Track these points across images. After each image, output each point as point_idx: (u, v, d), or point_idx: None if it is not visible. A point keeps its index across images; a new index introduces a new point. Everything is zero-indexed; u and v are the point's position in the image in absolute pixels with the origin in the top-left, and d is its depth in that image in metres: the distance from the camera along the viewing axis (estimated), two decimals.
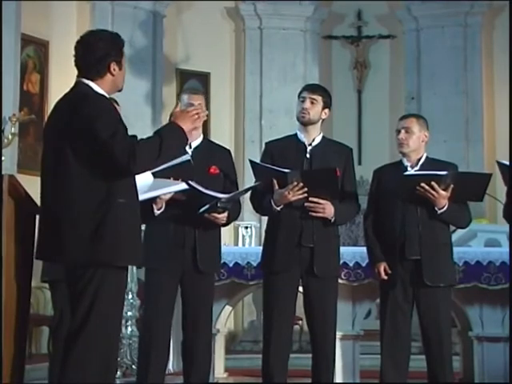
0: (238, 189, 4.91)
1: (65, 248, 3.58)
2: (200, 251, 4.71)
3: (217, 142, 5.11)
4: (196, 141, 4.84)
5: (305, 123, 4.91)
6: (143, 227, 4.86)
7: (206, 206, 4.62)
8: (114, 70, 3.73)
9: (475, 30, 10.42)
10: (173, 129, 3.72)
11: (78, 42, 3.79)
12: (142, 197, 4.20)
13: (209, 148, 4.90)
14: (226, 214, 4.71)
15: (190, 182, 4.52)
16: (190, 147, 4.79)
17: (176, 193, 4.53)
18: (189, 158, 4.40)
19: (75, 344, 3.54)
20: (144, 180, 4.20)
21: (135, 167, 3.57)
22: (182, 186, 4.42)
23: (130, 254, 3.69)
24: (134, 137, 3.62)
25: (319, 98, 4.90)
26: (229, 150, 5.03)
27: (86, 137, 3.57)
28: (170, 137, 3.68)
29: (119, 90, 3.84)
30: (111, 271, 3.61)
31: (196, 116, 3.79)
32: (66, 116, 3.64)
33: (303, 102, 4.89)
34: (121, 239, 3.61)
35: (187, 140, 3.80)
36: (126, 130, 3.64)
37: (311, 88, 4.99)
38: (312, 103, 4.88)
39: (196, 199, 4.58)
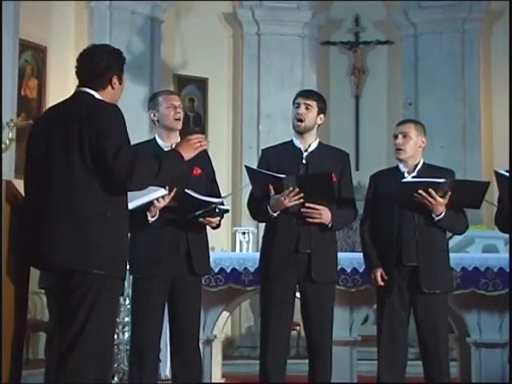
0: (218, 188, 4.94)
1: (56, 256, 3.59)
2: (194, 254, 4.73)
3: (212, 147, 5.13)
4: (176, 141, 4.83)
5: (300, 132, 4.91)
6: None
7: (202, 211, 4.64)
8: (115, 83, 3.81)
9: (473, 36, 10.44)
10: (173, 155, 3.86)
11: (81, 53, 3.85)
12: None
13: None
14: (218, 218, 4.74)
15: (186, 190, 4.55)
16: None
17: (170, 200, 4.55)
18: (164, 193, 4.42)
19: (71, 352, 3.56)
20: None
21: (130, 184, 3.64)
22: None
23: (120, 264, 3.73)
24: (136, 155, 3.66)
25: (314, 104, 4.89)
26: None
27: (94, 146, 3.61)
28: (169, 161, 3.79)
29: None
30: (108, 281, 3.64)
31: (198, 144, 3.93)
32: (75, 123, 3.65)
33: (298, 107, 4.89)
34: (112, 249, 3.65)
35: (186, 168, 3.93)
36: (130, 143, 3.69)
37: (305, 94, 4.99)
38: (307, 108, 4.88)
39: (187, 204, 4.59)
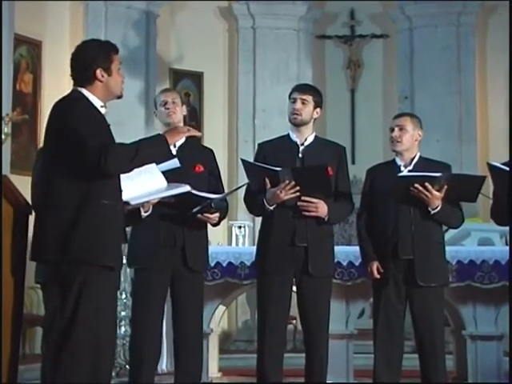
0: (222, 186, 4.94)
1: (46, 247, 3.60)
2: (189, 250, 4.73)
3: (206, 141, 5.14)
4: (180, 140, 4.83)
5: (297, 124, 4.91)
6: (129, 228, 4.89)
7: (199, 207, 4.63)
8: (103, 76, 3.79)
9: (468, 30, 10.43)
10: (155, 137, 3.84)
11: (72, 53, 3.88)
12: (145, 199, 4.20)
13: (192, 147, 4.92)
14: (217, 214, 4.73)
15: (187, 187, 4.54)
16: (175, 146, 4.81)
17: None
18: (178, 165, 4.41)
19: (63, 345, 3.56)
20: (159, 185, 4.21)
21: (106, 167, 3.60)
22: (186, 188, 4.42)
23: (111, 254, 3.71)
24: (111, 141, 3.69)
25: (310, 98, 4.90)
26: (212, 150, 5.06)
27: (63, 136, 3.64)
28: (149, 143, 3.78)
29: (119, 97, 3.88)
30: (94, 270, 3.63)
31: (186, 129, 3.91)
32: (51, 119, 3.73)
33: (294, 102, 4.89)
34: (102, 239, 3.65)
35: (168, 150, 3.86)
36: (105, 133, 3.69)
37: (301, 88, 4.99)
38: (303, 103, 4.88)
39: (186, 200, 4.58)
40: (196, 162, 4.80)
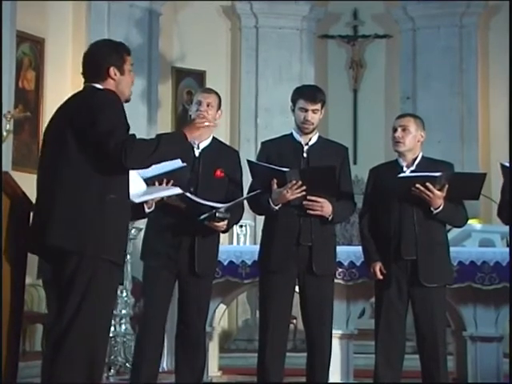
0: (242, 191, 4.90)
1: (51, 237, 3.58)
2: (198, 254, 4.71)
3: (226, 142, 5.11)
4: (205, 141, 4.83)
5: (309, 133, 4.90)
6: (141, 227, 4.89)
7: (205, 215, 4.62)
8: (116, 74, 3.80)
9: (471, 31, 10.45)
10: (175, 134, 3.87)
11: (83, 54, 3.88)
12: (136, 200, 4.20)
13: (217, 149, 4.89)
14: (225, 222, 4.69)
15: (186, 194, 4.53)
16: (198, 148, 4.80)
17: (176, 199, 4.53)
18: (182, 164, 4.40)
19: (64, 337, 3.56)
20: (137, 188, 4.20)
21: (126, 161, 3.58)
22: (175, 190, 4.41)
23: (116, 249, 3.69)
24: (133, 135, 3.67)
25: (319, 106, 4.87)
26: (237, 152, 5.03)
27: (87, 126, 3.61)
28: (168, 139, 3.76)
29: (127, 101, 3.88)
30: (102, 266, 3.61)
31: (202, 125, 3.86)
32: (74, 110, 3.69)
33: (305, 112, 4.85)
34: (109, 233, 3.63)
35: (187, 147, 3.89)
36: (128, 127, 3.68)
37: (312, 99, 4.86)
38: (314, 113, 4.87)
39: (195, 207, 4.58)
40: (218, 166, 4.78)
